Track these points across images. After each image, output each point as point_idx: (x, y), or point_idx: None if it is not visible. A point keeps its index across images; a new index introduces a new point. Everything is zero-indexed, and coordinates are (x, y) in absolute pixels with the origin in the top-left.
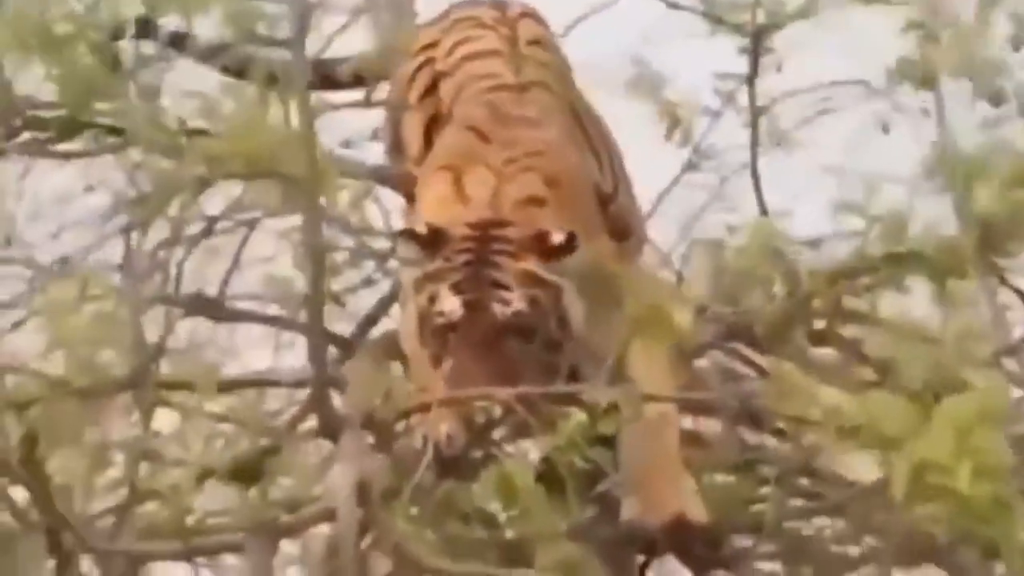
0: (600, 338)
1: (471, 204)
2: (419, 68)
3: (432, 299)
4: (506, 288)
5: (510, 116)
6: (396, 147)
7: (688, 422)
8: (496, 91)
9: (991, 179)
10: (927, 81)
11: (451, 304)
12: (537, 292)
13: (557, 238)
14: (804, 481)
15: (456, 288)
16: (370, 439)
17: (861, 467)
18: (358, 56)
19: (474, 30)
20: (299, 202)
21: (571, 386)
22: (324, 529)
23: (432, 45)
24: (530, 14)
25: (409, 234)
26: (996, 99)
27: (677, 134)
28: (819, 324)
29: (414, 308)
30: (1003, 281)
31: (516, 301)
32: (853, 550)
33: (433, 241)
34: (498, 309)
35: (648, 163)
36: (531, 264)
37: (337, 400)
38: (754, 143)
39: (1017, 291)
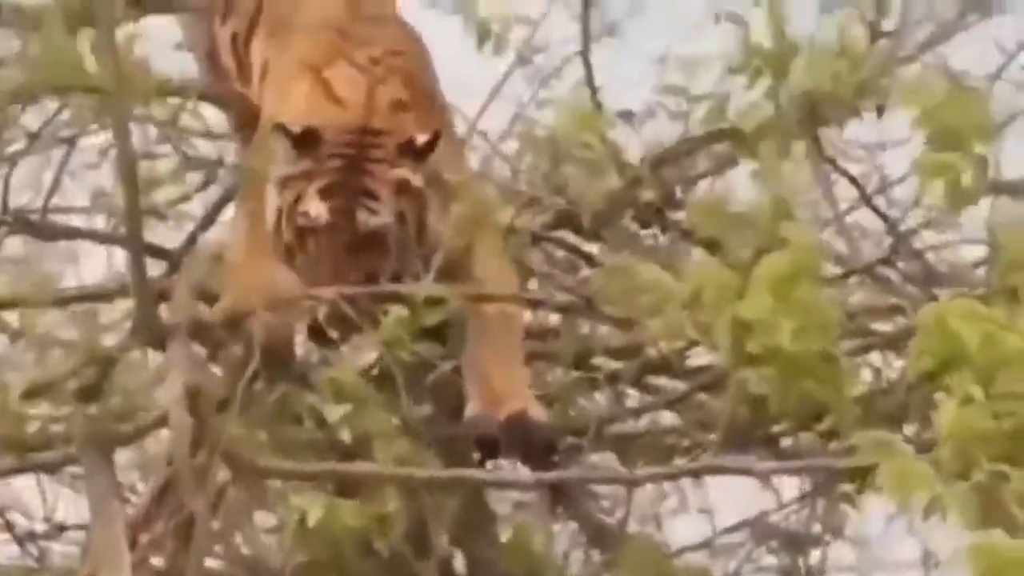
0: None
1: (345, 107)
2: None
3: (298, 199)
4: (375, 198)
5: (365, 12)
6: (212, 60)
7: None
8: None
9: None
10: None
11: (317, 208)
12: (405, 203)
13: (422, 140)
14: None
15: (324, 192)
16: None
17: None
18: None
19: None
20: (110, 116)
21: (393, 284)
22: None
23: None
24: None
25: (283, 130)
26: None
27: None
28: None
29: (270, 206)
30: (826, 157)
31: (383, 213)
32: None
33: (306, 141)
34: (363, 218)
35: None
36: (402, 173)
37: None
38: (586, 33)
39: (839, 168)
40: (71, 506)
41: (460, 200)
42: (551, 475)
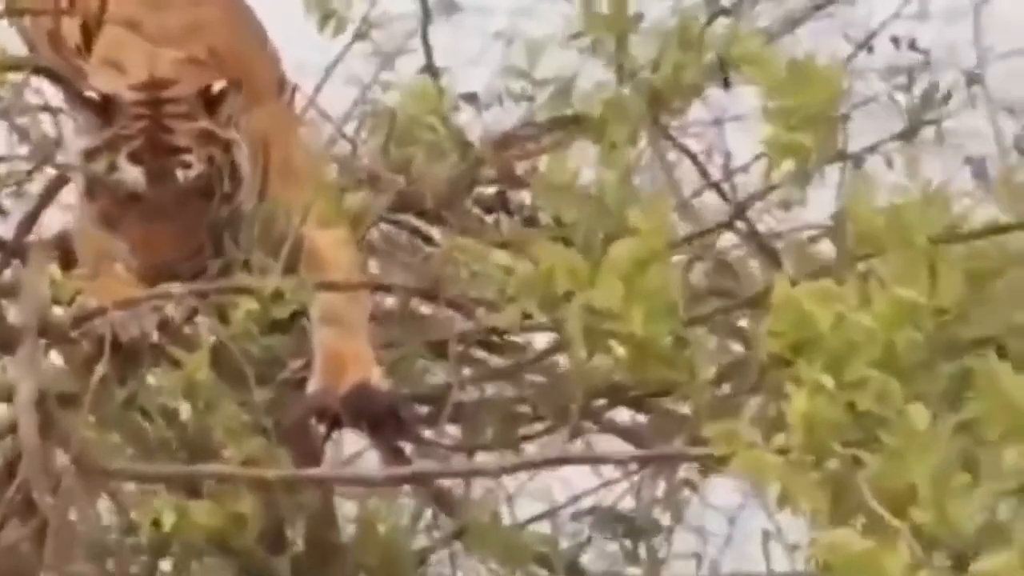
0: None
1: (129, 72)
2: None
3: (111, 169)
4: (185, 151)
5: (163, 2)
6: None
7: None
8: None
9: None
10: None
11: (133, 174)
12: (213, 150)
13: (217, 87)
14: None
15: (135, 157)
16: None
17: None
18: None
19: None
20: None
21: (243, 279)
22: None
23: None
24: None
25: (81, 100)
26: None
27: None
28: (489, 190)
29: (78, 182)
30: (671, 140)
31: (196, 163)
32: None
33: (105, 107)
34: (180, 174)
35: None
36: (203, 123)
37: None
38: (425, 10)
39: (685, 149)
40: None
41: (293, 168)
42: (404, 471)
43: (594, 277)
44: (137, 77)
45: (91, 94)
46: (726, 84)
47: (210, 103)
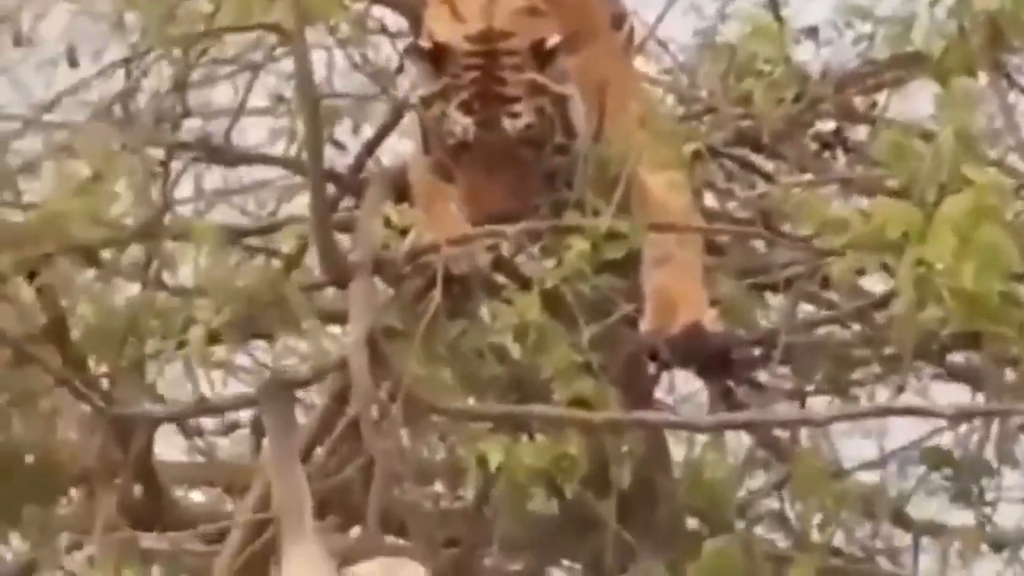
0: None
1: (467, 21)
2: None
3: (442, 118)
4: (515, 101)
5: None
6: None
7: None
8: None
9: None
10: None
11: (462, 123)
12: (543, 102)
13: (551, 43)
14: (814, 289)
15: (466, 107)
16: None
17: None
18: None
19: None
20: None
21: (576, 219)
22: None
23: None
24: None
25: (415, 50)
26: None
27: None
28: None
29: (415, 129)
30: (1010, 80)
31: (525, 114)
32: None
33: (439, 56)
34: (509, 124)
35: None
36: (535, 76)
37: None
38: None
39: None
40: None
41: (628, 110)
42: (732, 418)
43: (927, 230)
44: (474, 26)
45: (425, 43)
46: None
47: (543, 57)
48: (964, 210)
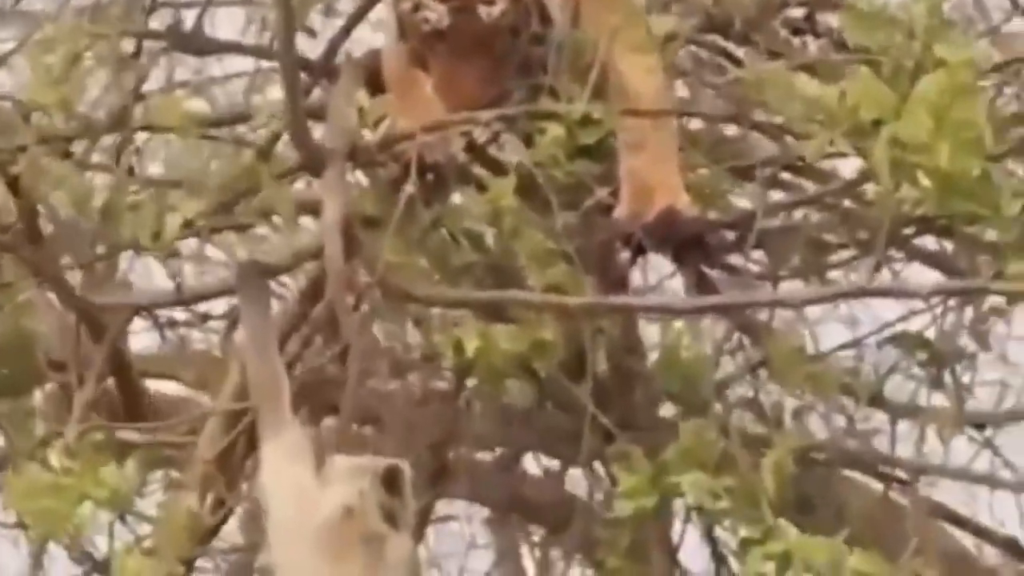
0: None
1: None
2: None
3: (416, 7)
4: None
5: None
6: None
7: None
8: None
9: None
10: None
11: (437, 11)
12: None
13: None
14: (786, 175)
15: None
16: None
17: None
18: None
19: None
20: None
21: (550, 104)
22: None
23: None
24: None
25: None
26: None
27: None
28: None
29: (396, 16)
30: None
31: (500, 1)
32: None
33: None
34: (484, 11)
35: None
36: None
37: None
38: None
39: None
40: None
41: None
42: (708, 300)
43: (901, 109)
44: None
45: None
46: None
47: None
48: (939, 89)
